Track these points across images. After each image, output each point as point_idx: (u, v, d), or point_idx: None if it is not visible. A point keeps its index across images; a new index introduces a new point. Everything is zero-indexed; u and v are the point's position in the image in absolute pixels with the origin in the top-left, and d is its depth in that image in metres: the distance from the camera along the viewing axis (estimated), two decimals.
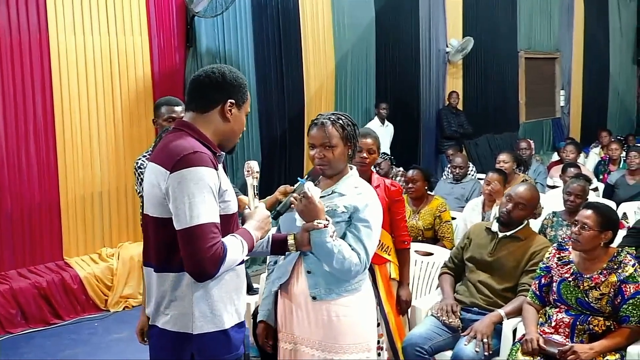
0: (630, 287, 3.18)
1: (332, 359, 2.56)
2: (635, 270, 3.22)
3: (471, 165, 7.29)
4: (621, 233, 4.47)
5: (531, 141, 8.37)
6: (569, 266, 3.35)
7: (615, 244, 3.51)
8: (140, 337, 3.17)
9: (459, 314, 3.61)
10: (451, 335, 3.54)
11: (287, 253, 2.62)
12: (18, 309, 5.16)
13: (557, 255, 3.43)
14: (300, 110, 7.79)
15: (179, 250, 2.04)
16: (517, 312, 3.49)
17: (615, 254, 3.29)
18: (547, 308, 3.39)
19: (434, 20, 9.77)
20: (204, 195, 2.01)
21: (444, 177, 7.27)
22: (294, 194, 2.57)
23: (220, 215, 2.08)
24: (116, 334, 5.11)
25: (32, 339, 5.05)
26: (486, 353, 3.34)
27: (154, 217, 2.13)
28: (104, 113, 5.87)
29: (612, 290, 3.19)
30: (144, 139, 6.01)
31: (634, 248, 3.81)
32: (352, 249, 2.52)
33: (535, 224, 4.77)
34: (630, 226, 4.85)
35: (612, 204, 5.55)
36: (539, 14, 11.83)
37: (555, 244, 3.55)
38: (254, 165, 2.44)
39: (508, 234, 3.71)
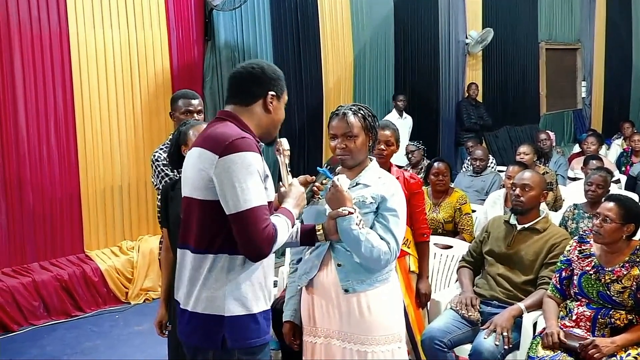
0: None
1: (365, 350, 2.57)
2: None
3: (491, 157, 7.23)
4: None
5: (551, 133, 8.28)
6: (590, 259, 3.31)
7: (637, 237, 3.47)
8: (159, 329, 3.18)
9: (478, 307, 3.58)
10: (471, 329, 3.52)
11: (312, 247, 2.64)
12: (40, 301, 5.22)
13: (578, 248, 3.39)
14: (319, 103, 7.78)
15: (220, 232, 2.12)
16: (538, 306, 3.46)
17: (637, 247, 3.25)
18: (568, 301, 3.36)
19: (454, 11, 9.69)
20: (253, 179, 2.07)
21: (464, 169, 7.22)
22: (316, 184, 2.59)
23: None
24: (136, 326, 5.15)
25: (54, 330, 5.11)
26: (506, 347, 3.32)
27: (199, 199, 2.16)
28: (123, 106, 5.91)
29: (634, 283, 3.15)
30: (163, 132, 6.03)
31: None
32: (381, 238, 2.53)
33: (556, 217, 4.72)
34: None
35: (634, 196, 5.47)
36: (559, 5, 11.69)
37: (576, 237, 3.51)
38: (284, 143, 2.50)
39: (526, 226, 3.68)
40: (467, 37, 9.92)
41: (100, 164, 5.78)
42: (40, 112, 5.37)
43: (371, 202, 2.58)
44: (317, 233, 2.53)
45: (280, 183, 2.42)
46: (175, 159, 3.12)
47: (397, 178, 3.50)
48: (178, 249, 2.33)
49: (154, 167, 3.60)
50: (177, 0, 6.26)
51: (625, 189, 6.36)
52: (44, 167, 5.42)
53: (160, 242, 3.44)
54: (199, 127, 3.03)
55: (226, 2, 6.21)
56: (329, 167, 2.68)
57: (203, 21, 6.49)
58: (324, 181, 2.61)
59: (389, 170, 3.47)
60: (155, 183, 3.62)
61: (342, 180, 2.50)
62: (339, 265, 2.60)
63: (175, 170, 3.44)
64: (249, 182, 2.06)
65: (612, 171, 6.23)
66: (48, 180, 5.44)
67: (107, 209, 5.86)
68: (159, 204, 3.22)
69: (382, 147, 3.52)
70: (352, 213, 2.46)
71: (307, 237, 2.56)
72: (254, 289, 2.18)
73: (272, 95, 2.26)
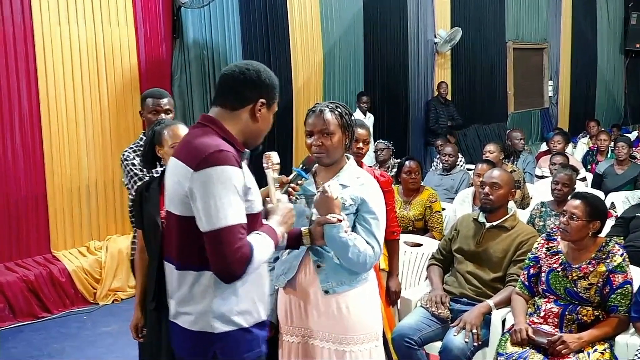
0: (618, 277, 3.19)
1: (343, 349, 2.57)
2: (623, 260, 3.23)
3: (460, 156, 7.29)
4: (609, 223, 4.51)
5: (520, 131, 8.38)
6: (557, 256, 3.36)
7: (603, 234, 3.52)
8: (134, 333, 3.12)
9: (448, 305, 3.61)
10: (440, 326, 3.55)
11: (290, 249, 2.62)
12: (6, 302, 5.12)
13: (546, 246, 3.44)
14: (289, 102, 7.76)
15: (200, 248, 2.00)
16: (506, 303, 3.50)
17: (603, 244, 3.30)
18: (536, 298, 3.40)
19: (422, 10, 9.75)
20: (230, 196, 1.96)
21: (433, 168, 7.27)
22: (291, 185, 2.57)
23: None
24: (105, 327, 5.09)
25: (20, 332, 5.02)
26: (475, 344, 3.35)
27: (176, 214, 2.08)
28: (90, 104, 5.82)
29: (600, 280, 3.20)
30: (131, 131, 5.96)
31: (622, 238, 3.83)
32: (365, 242, 2.52)
33: (523, 215, 4.78)
34: (619, 216, 4.88)
35: (600, 194, 5.57)
36: (526, 4, 11.84)
37: (543, 234, 3.56)
38: (273, 157, 2.47)
39: (495, 223, 3.72)
40: (435, 37, 9.99)
41: (66, 163, 5.68)
42: (4, 109, 5.26)
43: (350, 204, 2.56)
44: (303, 237, 2.51)
45: (268, 199, 2.34)
46: (150, 159, 3.08)
47: None
48: (164, 261, 2.26)
49: (123, 166, 3.56)
50: None
51: (592, 186, 6.47)
52: (9, 166, 5.31)
53: (133, 243, 3.39)
54: (175, 127, 3.01)
55: (194, 0, 6.16)
56: (304, 167, 2.66)
57: (171, 19, 6.43)
58: (299, 182, 2.60)
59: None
60: (126, 183, 3.57)
61: (333, 187, 2.46)
62: (318, 266, 2.59)
63: (145, 170, 3.39)
64: (225, 198, 1.94)
65: (578, 169, 6.34)
66: (13, 180, 5.34)
67: (74, 209, 5.77)
68: (131, 204, 3.16)
69: (361, 145, 3.54)
70: (342, 221, 2.44)
71: (294, 240, 2.53)
72: (246, 302, 2.10)
73: (262, 102, 2.14)
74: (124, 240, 5.84)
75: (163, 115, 3.56)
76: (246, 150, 2.18)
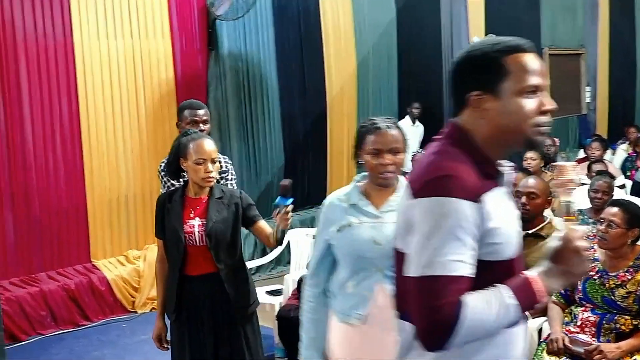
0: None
1: None
2: None
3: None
4: None
5: (556, 139, 8.28)
6: (594, 264, 3.31)
7: None
8: (158, 343, 3.17)
9: None
10: None
11: (357, 277, 2.39)
12: (48, 310, 5.25)
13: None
14: (322, 112, 7.81)
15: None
16: (542, 312, 3.46)
17: None
18: (573, 307, 3.36)
19: (456, 18, 9.70)
20: (447, 238, 1.49)
21: None
22: (278, 216, 2.67)
23: (484, 262, 1.54)
24: (143, 335, 5.16)
25: (62, 340, 5.14)
26: None
27: (397, 249, 1.70)
28: (128, 117, 5.95)
29: (639, 288, 3.15)
30: (168, 142, 5.98)
31: None
32: None
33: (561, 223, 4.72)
34: None
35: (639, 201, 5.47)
36: (562, 10, 11.70)
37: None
38: (568, 169, 2.37)
39: (530, 232, 3.69)
40: (470, 44, 9.93)
41: (105, 174, 5.81)
42: (46, 123, 5.41)
43: None
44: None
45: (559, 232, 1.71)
46: (174, 169, 3.10)
47: None
48: None
49: (160, 177, 3.65)
50: (180, 10, 6.32)
51: (631, 194, 6.35)
52: (50, 178, 5.46)
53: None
54: (201, 142, 2.99)
55: (229, 12, 6.26)
56: (283, 195, 2.69)
57: (206, 31, 6.53)
58: (287, 211, 2.67)
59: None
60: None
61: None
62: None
63: (181, 180, 3.43)
64: (436, 239, 1.49)
65: (616, 176, 6.24)
66: (54, 191, 5.48)
67: (112, 219, 5.90)
68: (155, 211, 3.17)
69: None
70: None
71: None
72: None
73: (477, 95, 1.61)
74: None
75: (201, 126, 3.60)
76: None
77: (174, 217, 3.01)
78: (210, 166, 2.98)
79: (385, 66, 8.77)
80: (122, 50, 5.88)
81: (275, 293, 4.81)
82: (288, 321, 4.10)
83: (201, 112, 3.67)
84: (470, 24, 10.01)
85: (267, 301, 4.58)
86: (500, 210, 1.58)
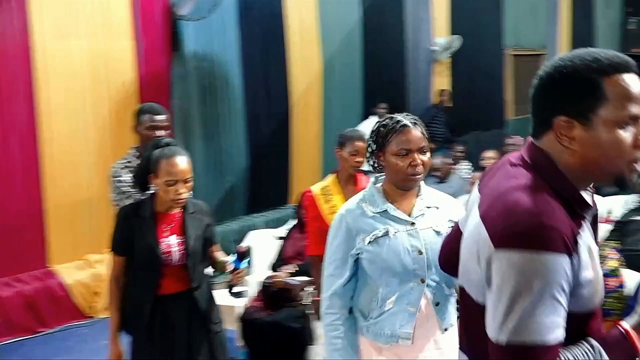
0: (612, 281, 3.19)
1: None
2: (619, 264, 3.24)
3: (467, 162, 7.32)
4: (608, 228, 4.51)
5: (521, 138, 8.38)
6: None
7: (601, 239, 3.52)
8: None
9: None
10: None
11: (392, 292, 2.19)
12: (4, 317, 5.12)
13: None
14: (287, 113, 7.79)
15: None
16: None
17: (599, 249, 3.30)
18: None
19: (420, 19, 9.79)
20: (540, 299, 1.25)
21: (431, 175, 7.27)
22: (234, 274, 2.76)
23: (569, 314, 1.31)
24: (105, 341, 5.02)
25: (22, 346, 5.03)
26: None
27: (471, 297, 1.47)
28: (89, 118, 5.85)
29: None
30: (130, 145, 5.97)
31: (619, 242, 3.83)
32: None
33: None
34: (617, 220, 4.88)
35: (598, 198, 5.57)
36: (525, 11, 11.87)
37: None
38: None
39: None
40: (434, 45, 10.02)
41: (65, 176, 5.69)
42: (2, 124, 5.28)
43: None
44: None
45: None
46: (141, 182, 2.93)
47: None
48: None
49: (112, 181, 3.45)
50: (143, 10, 6.23)
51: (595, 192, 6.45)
52: (6, 181, 5.32)
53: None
54: (174, 161, 2.78)
55: (193, 12, 6.20)
56: (240, 259, 2.68)
57: (170, 31, 6.47)
58: (239, 274, 2.71)
59: (357, 180, 3.53)
60: (114, 199, 3.44)
61: None
62: (437, 304, 2.22)
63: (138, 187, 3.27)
64: (527, 301, 1.25)
65: None
66: (9, 195, 5.35)
67: (72, 222, 5.78)
68: (115, 226, 2.95)
69: (360, 158, 3.47)
70: None
71: None
72: None
73: (563, 121, 1.36)
74: None
75: (161, 132, 3.46)
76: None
77: (148, 234, 2.81)
78: (181, 188, 2.79)
79: (350, 67, 8.78)
80: (83, 51, 5.77)
81: (238, 295, 4.77)
82: (251, 323, 4.08)
83: (161, 117, 3.52)
84: (435, 25, 10.12)
85: (230, 303, 4.54)
86: (592, 254, 1.38)
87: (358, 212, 2.25)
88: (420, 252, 2.18)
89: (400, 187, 2.26)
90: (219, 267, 3.06)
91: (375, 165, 2.31)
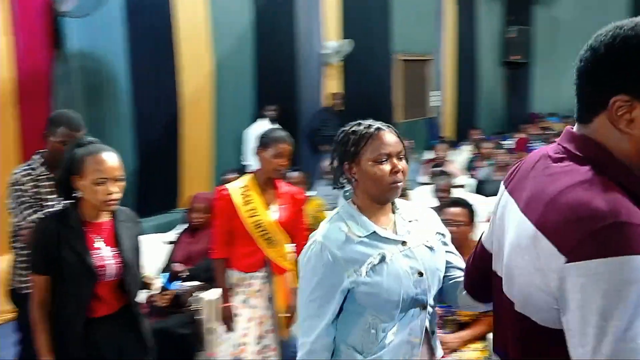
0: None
1: None
2: None
3: None
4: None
5: (411, 140, 8.65)
6: None
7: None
8: None
9: None
10: None
11: (391, 323, 1.91)
12: None
13: None
14: (176, 114, 7.64)
15: None
16: None
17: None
18: None
19: (311, 22, 9.88)
20: (635, 312, 1.07)
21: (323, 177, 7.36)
22: (160, 295, 2.56)
23: None
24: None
25: None
26: None
27: (534, 322, 1.27)
28: None
29: None
30: (11, 147, 5.67)
31: None
32: None
33: None
34: None
35: (482, 198, 5.86)
36: (412, 18, 12.23)
37: None
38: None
39: None
40: (325, 48, 10.14)
41: None
42: None
43: (441, 243, 2.06)
44: None
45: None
46: (64, 188, 2.59)
47: (286, 193, 3.51)
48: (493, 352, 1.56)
49: (12, 189, 3.19)
50: (22, 5, 5.92)
51: (476, 191, 6.76)
52: None
53: (15, 271, 3.13)
54: (100, 157, 2.51)
55: (76, 8, 5.95)
56: (171, 281, 2.60)
57: (52, 28, 6.18)
58: (166, 295, 2.57)
59: (276, 186, 3.47)
60: (12, 207, 3.20)
61: None
62: (433, 332, 2.04)
63: (38, 198, 3.06)
64: (623, 318, 1.06)
65: (457, 175, 6.62)
66: None
67: None
68: (16, 230, 2.69)
69: (285, 162, 3.37)
70: None
71: None
72: None
73: (622, 100, 1.18)
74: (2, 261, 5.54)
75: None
76: None
77: (77, 246, 2.49)
78: (112, 187, 2.51)
79: (242, 68, 8.71)
80: None
81: None
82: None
83: (80, 133, 3.21)
84: (326, 29, 10.24)
85: None
86: None
87: (341, 238, 1.90)
88: (421, 274, 1.92)
89: (381, 200, 1.97)
90: (142, 284, 2.85)
91: (343, 180, 2.02)
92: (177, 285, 2.61)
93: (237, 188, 3.42)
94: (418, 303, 1.92)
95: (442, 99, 13.21)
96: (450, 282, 2.01)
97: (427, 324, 1.95)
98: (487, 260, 1.56)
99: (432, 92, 12.99)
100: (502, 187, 1.49)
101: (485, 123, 13.59)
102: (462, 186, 6.76)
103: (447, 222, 3.42)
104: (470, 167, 8.47)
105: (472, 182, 7.41)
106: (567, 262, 1.12)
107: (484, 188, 6.84)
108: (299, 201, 3.56)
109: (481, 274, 1.64)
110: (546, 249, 1.16)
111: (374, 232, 1.91)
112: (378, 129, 1.99)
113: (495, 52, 14.85)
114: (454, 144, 10.41)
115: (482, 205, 5.74)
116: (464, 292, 1.87)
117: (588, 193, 1.13)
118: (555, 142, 1.34)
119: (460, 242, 3.39)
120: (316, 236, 1.94)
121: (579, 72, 1.27)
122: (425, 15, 12.67)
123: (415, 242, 1.96)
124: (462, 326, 3.34)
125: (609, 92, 1.19)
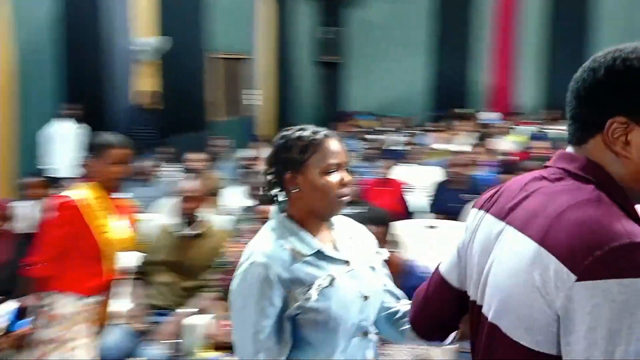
0: None
1: None
2: None
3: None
4: None
5: (224, 139, 8.64)
6: None
7: None
8: None
9: (146, 318, 3.58)
10: (139, 339, 3.49)
11: (344, 347, 1.71)
12: None
13: (242, 249, 3.56)
14: None
15: None
16: (206, 309, 3.57)
17: None
18: None
19: (119, 17, 9.51)
20: None
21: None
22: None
23: None
24: None
25: None
26: (173, 353, 3.37)
27: (523, 346, 1.18)
28: None
29: None
30: None
31: None
32: None
33: (224, 220, 4.93)
34: None
35: None
36: (229, 16, 12.22)
37: (238, 239, 3.71)
38: None
39: (193, 233, 3.77)
40: (136, 45, 9.83)
41: None
42: None
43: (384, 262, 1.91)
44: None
45: None
46: None
47: (123, 205, 3.18)
48: None
49: None
50: None
51: None
52: None
53: None
54: None
55: None
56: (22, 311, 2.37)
57: None
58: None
59: (114, 198, 3.11)
60: None
61: None
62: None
63: None
64: (637, 338, 1.03)
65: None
66: None
67: None
68: None
69: (121, 168, 3.04)
70: None
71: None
72: None
73: (620, 122, 1.17)
74: None
75: None
76: None
77: None
78: None
79: (47, 65, 8.19)
80: None
81: None
82: None
83: None
84: (140, 24, 9.94)
85: None
86: None
87: (286, 257, 1.66)
88: (366, 298, 1.73)
89: (324, 215, 1.77)
90: None
91: (280, 193, 1.77)
92: (28, 323, 2.23)
93: (81, 198, 2.97)
94: (360, 330, 1.73)
95: (260, 98, 13.36)
96: (386, 312, 1.84)
97: (369, 354, 1.77)
98: (446, 293, 1.50)
99: (250, 90, 13.09)
100: (474, 212, 1.43)
101: (302, 121, 13.89)
102: None
103: (260, 220, 3.49)
104: None
105: None
106: (578, 280, 1.06)
107: None
108: (132, 213, 3.32)
109: (436, 309, 1.56)
110: (551, 267, 1.10)
111: (319, 250, 1.70)
112: (326, 135, 1.75)
113: (311, 52, 15.28)
114: (266, 143, 10.50)
115: None
116: (406, 326, 1.71)
117: (598, 211, 1.11)
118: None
119: None
120: (254, 257, 1.65)
121: (575, 93, 1.24)
122: (242, 15, 12.73)
123: (358, 262, 1.76)
124: None
125: (606, 114, 1.17)
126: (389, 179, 5.93)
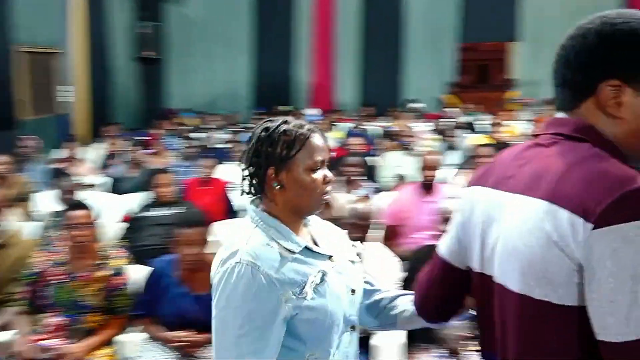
0: (118, 280, 3.31)
1: None
2: (126, 262, 3.38)
3: None
4: (124, 226, 4.68)
5: (34, 139, 8.10)
6: (64, 267, 3.31)
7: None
8: None
9: None
10: None
11: (336, 342, 1.66)
12: None
13: (52, 258, 3.35)
14: None
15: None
16: (11, 325, 3.31)
17: (102, 249, 3.38)
18: (43, 314, 3.29)
19: None
20: None
21: None
22: None
23: None
24: None
25: None
26: None
27: (550, 303, 1.18)
28: None
29: (104, 284, 3.27)
30: None
31: (128, 239, 4.00)
32: None
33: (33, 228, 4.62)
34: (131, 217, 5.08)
35: (116, 197, 5.78)
36: (36, 8, 11.47)
37: (47, 247, 3.50)
38: None
39: None
40: None
41: None
42: None
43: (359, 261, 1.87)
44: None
45: None
46: None
47: None
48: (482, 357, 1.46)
49: None
50: None
51: (112, 190, 6.55)
52: None
53: None
54: None
55: None
56: None
57: None
58: None
59: None
60: None
61: None
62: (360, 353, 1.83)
63: None
64: None
65: (79, 175, 6.37)
66: None
67: None
68: None
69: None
70: None
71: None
72: None
73: (612, 85, 1.21)
74: None
75: None
76: None
77: None
78: None
79: None
80: None
81: None
82: None
83: None
84: None
85: None
86: None
87: (274, 256, 1.58)
88: (353, 291, 1.71)
89: (306, 212, 1.70)
90: None
91: (260, 189, 1.67)
92: None
93: None
94: (348, 324, 1.70)
95: (74, 95, 12.69)
96: (369, 301, 1.83)
97: (356, 347, 1.75)
98: (448, 275, 1.53)
99: (62, 87, 12.38)
100: (469, 190, 1.45)
101: (121, 119, 13.42)
102: (92, 186, 6.55)
103: (69, 226, 3.29)
104: (105, 165, 8.25)
105: (108, 180, 7.22)
106: (594, 228, 1.10)
107: (119, 186, 6.72)
108: None
109: (441, 292, 1.58)
110: (565, 220, 1.14)
111: (306, 247, 1.64)
112: (311, 130, 1.66)
113: (127, 47, 14.78)
114: (89, 142, 10.04)
115: (116, 203, 5.66)
116: (398, 310, 1.77)
117: (602, 163, 1.16)
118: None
119: (85, 247, 3.29)
120: (238, 256, 1.55)
121: (563, 59, 1.27)
122: (53, 6, 12.02)
123: (340, 256, 1.73)
124: (89, 333, 3.22)
125: (598, 77, 1.22)
126: (211, 178, 5.85)
